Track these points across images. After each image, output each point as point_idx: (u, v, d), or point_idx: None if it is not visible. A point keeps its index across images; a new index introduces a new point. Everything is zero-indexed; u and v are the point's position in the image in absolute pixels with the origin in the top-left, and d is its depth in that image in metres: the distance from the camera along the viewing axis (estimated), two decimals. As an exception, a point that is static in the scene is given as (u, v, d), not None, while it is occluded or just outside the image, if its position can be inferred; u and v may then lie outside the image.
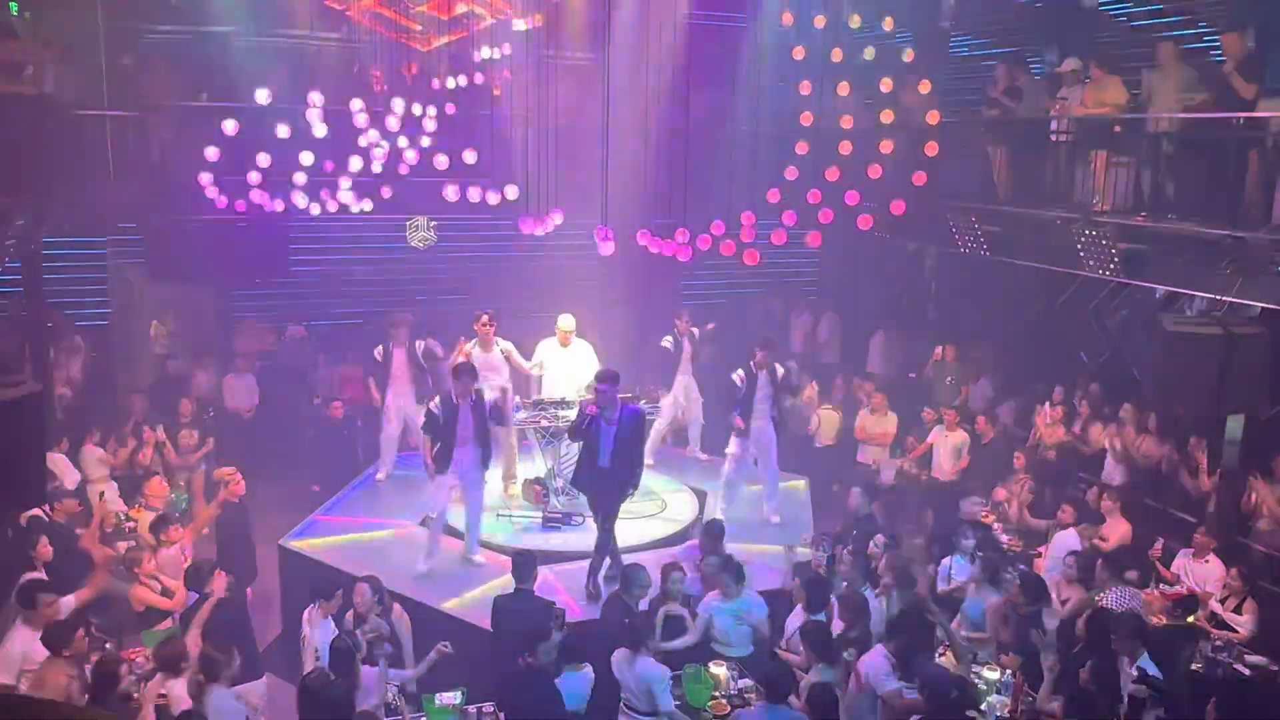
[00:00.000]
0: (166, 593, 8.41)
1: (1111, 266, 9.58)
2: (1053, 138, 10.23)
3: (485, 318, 11.03)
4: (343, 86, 11.42)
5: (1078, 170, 10.03)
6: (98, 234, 12.25)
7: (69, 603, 7.62)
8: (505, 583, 9.16)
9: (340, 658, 6.77)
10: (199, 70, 11.92)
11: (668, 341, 12.11)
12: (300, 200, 10.56)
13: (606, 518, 9.15)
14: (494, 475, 10.66)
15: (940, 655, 7.79)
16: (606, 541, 9.19)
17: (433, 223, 14.05)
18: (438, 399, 9.52)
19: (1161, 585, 9.17)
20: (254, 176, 10.37)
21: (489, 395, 10.28)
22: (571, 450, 10.67)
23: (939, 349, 13.74)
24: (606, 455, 8.89)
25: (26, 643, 7.18)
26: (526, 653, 6.85)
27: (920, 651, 7.11)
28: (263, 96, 10.17)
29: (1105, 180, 9.70)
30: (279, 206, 10.65)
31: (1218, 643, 8.43)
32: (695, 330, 12.25)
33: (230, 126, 10.20)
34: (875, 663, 6.94)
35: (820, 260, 14.53)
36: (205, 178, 10.40)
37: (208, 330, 14.25)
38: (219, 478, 9.84)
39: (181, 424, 11.67)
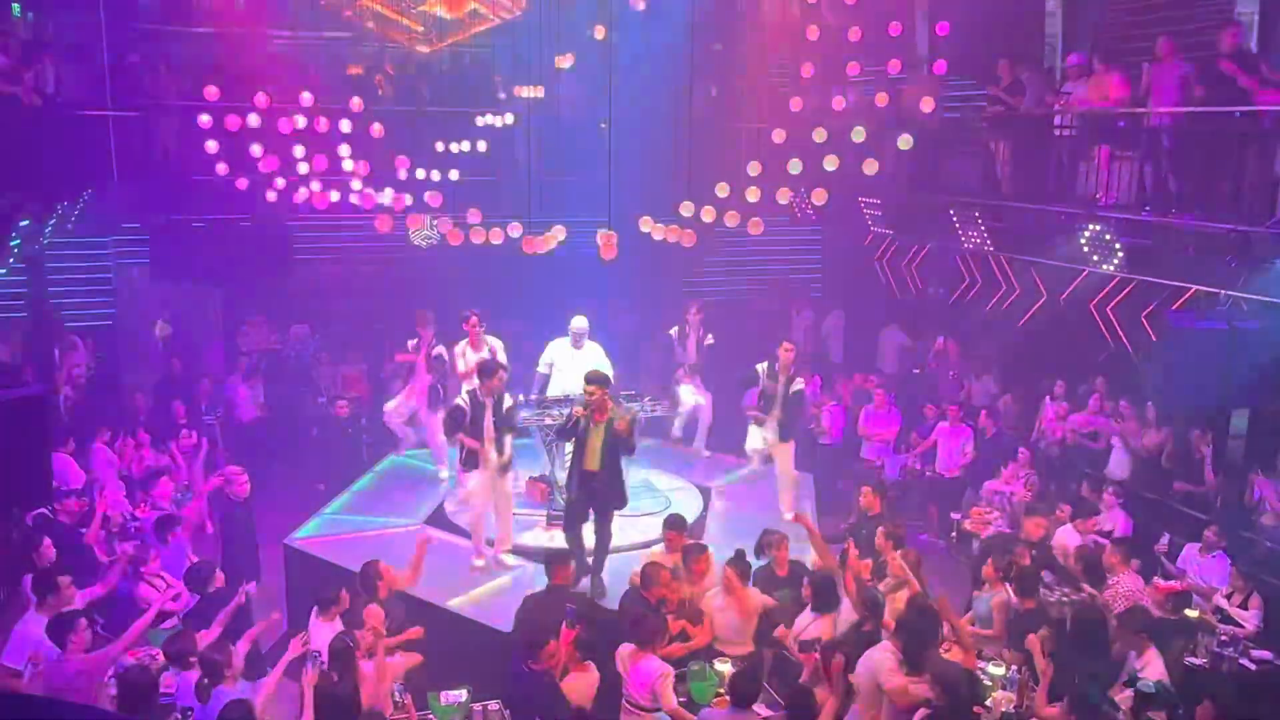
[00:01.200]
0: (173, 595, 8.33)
1: (1115, 262, 9.57)
2: (1057, 133, 10.18)
3: (475, 318, 11.01)
4: (346, 88, 11.46)
5: (1081, 165, 9.99)
6: (101, 234, 12.22)
7: (82, 597, 7.64)
8: (506, 581, 9.30)
9: (340, 657, 6.71)
10: (203, 70, 11.90)
11: (675, 331, 12.02)
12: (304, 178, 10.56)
13: (603, 519, 9.08)
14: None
15: (945, 651, 7.76)
16: (607, 540, 9.15)
17: (435, 220, 13.95)
18: (464, 396, 9.50)
19: (1155, 579, 9.11)
20: (257, 149, 10.37)
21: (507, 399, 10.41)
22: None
23: (940, 340, 13.70)
24: (594, 458, 8.81)
25: (36, 631, 7.14)
26: (529, 659, 6.81)
27: (929, 647, 6.98)
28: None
29: (1109, 175, 9.67)
30: (280, 184, 10.61)
31: (1224, 638, 8.33)
32: (711, 337, 12.17)
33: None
34: (880, 659, 6.84)
35: (824, 257, 14.52)
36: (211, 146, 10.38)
37: (211, 330, 14.24)
38: (224, 477, 9.85)
39: (180, 424, 11.66)
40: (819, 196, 9.88)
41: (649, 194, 10.30)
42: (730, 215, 9.45)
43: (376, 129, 11.03)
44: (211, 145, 10.46)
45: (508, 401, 9.53)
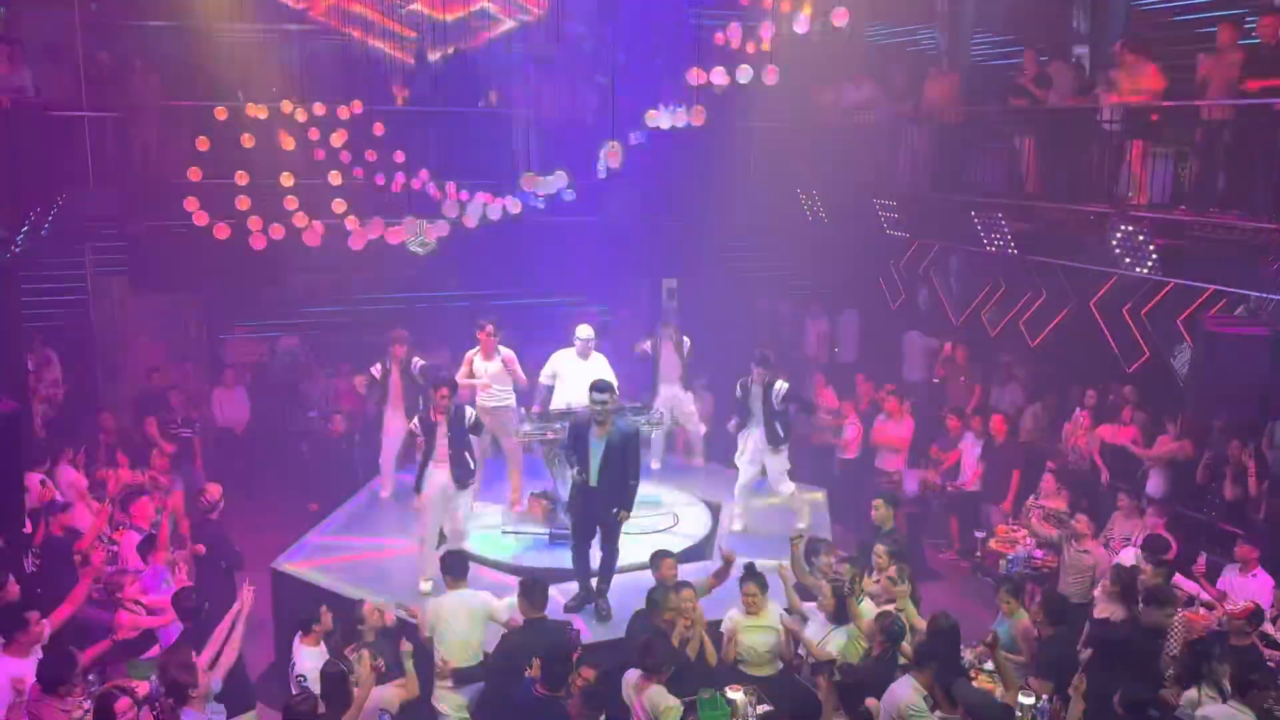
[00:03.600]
0: (153, 614, 8.09)
1: (1149, 264, 9.20)
2: (1105, 127, 9.76)
3: (490, 326, 10.68)
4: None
5: (1113, 162, 9.62)
6: (77, 242, 11.88)
7: (50, 622, 7.28)
8: (509, 604, 8.73)
9: (332, 683, 6.46)
10: (184, 69, 11.58)
11: (646, 345, 11.73)
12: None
13: (608, 536, 8.77)
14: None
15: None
16: (613, 560, 8.86)
17: (425, 225, 13.57)
18: (417, 419, 9.33)
19: (1201, 606, 8.63)
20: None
21: (491, 404, 10.32)
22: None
23: (947, 345, 13.34)
24: (594, 473, 8.52)
25: (11, 671, 6.71)
26: (543, 683, 6.53)
27: (957, 677, 6.87)
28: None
29: (1142, 172, 9.30)
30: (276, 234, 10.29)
31: (1270, 664, 7.83)
32: (687, 340, 11.77)
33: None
34: (904, 694, 6.60)
35: (836, 259, 14.12)
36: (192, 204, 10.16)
37: (194, 342, 13.91)
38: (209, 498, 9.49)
39: (153, 442, 11.24)
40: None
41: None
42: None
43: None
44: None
45: (469, 416, 9.29)
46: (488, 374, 10.52)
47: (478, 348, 10.70)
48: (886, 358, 14.47)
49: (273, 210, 10.40)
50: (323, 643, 7.32)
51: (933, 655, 6.75)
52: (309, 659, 7.19)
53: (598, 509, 8.64)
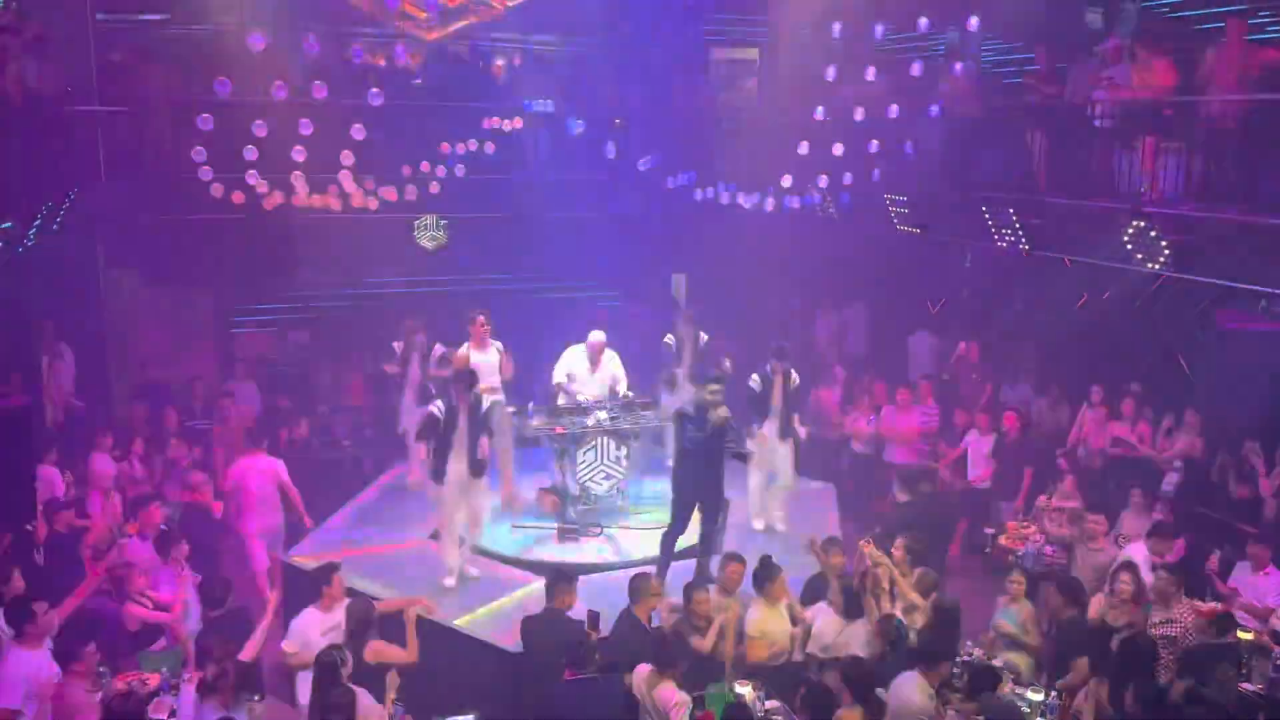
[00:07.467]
0: (160, 609, 8.15)
1: (1161, 260, 9.14)
2: (1097, 123, 9.72)
3: (480, 317, 10.68)
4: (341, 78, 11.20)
5: (1124, 158, 9.57)
6: (89, 236, 11.91)
7: (60, 613, 7.25)
8: (518, 598, 9.02)
9: (325, 672, 6.43)
10: (191, 63, 11.57)
11: (670, 339, 11.63)
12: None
13: (716, 518, 9.11)
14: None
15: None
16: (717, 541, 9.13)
17: (443, 222, 13.61)
18: (439, 402, 9.23)
19: (1194, 601, 8.56)
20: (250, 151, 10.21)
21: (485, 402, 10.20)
22: (587, 459, 10.39)
23: (961, 344, 13.28)
24: (705, 457, 8.92)
25: (25, 663, 6.72)
26: (571, 667, 6.60)
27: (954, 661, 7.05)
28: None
29: (1154, 168, 9.24)
30: (277, 199, 10.29)
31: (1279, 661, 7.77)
32: (703, 335, 11.72)
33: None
34: (909, 689, 6.63)
35: (848, 254, 14.04)
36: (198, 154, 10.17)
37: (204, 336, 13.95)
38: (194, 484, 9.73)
39: (169, 435, 11.27)
40: None
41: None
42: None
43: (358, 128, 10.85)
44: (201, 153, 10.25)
45: (485, 404, 9.34)
46: (481, 366, 10.39)
47: (470, 340, 10.71)
48: (896, 353, 14.43)
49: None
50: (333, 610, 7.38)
51: (940, 652, 6.77)
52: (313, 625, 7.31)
53: (711, 491, 9.00)
